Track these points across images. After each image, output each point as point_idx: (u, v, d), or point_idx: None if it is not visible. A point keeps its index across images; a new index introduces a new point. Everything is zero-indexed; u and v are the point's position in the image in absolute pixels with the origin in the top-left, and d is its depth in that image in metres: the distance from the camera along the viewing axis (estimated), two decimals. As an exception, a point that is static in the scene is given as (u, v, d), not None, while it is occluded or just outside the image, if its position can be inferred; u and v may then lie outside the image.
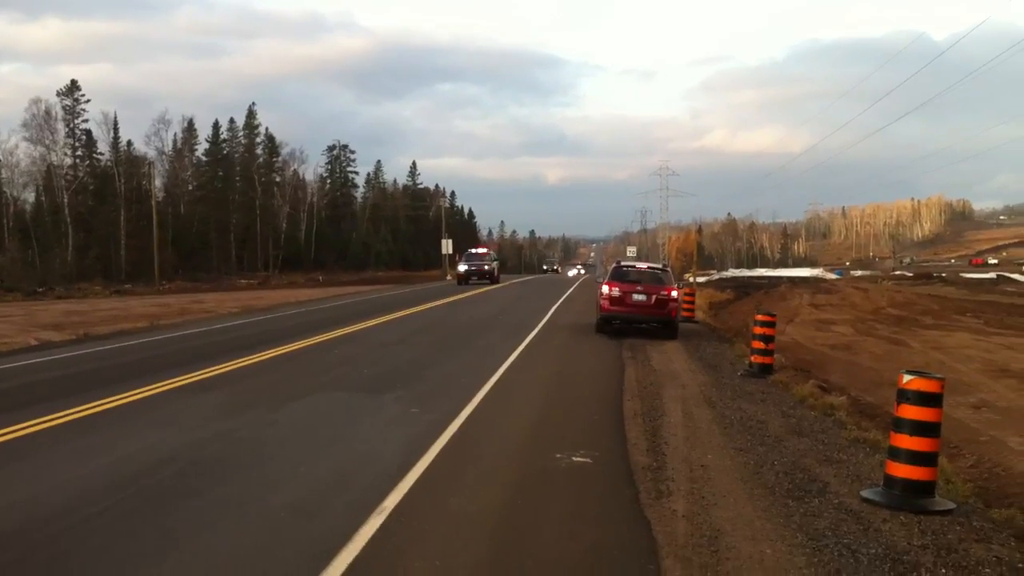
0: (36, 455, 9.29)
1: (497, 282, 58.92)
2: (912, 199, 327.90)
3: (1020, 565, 6.25)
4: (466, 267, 57.64)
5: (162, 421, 11.08)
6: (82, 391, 13.06)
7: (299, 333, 22.22)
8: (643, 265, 25.38)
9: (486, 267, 58.21)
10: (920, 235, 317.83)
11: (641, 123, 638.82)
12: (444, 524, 6.93)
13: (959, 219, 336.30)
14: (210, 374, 14.88)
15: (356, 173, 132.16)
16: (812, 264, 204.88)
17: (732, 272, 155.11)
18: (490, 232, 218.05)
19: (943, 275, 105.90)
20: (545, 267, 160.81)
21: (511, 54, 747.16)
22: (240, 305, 37.62)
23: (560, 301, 36.36)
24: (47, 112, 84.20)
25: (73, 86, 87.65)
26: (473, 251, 63.01)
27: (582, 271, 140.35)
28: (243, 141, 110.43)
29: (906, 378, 7.76)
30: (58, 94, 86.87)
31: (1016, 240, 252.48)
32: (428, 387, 14.02)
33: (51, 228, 79.95)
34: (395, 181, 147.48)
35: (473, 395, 12.83)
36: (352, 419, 11.40)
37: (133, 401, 12.33)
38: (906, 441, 7.66)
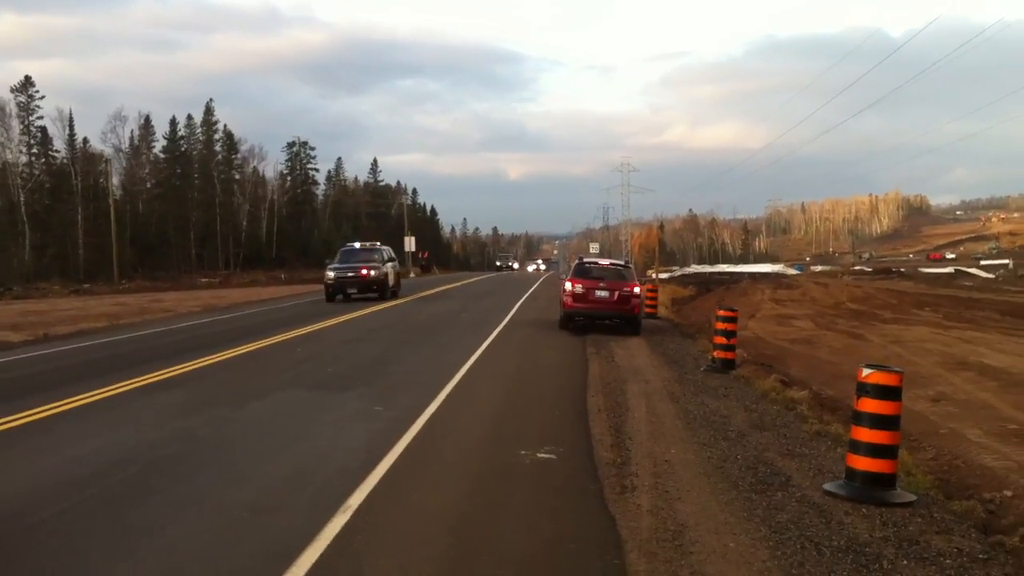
0: (-7, 456, 9.16)
1: (395, 296, 37.39)
2: (870, 195, 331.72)
3: (981, 556, 6.31)
4: (334, 274, 35.11)
5: (122, 421, 10.98)
6: (41, 391, 12.92)
7: (261, 331, 22.08)
8: (605, 261, 25.43)
9: (371, 272, 35.22)
10: (879, 230, 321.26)
11: (602, 118, 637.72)
12: (408, 521, 6.90)
13: (917, 214, 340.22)
14: (171, 373, 14.74)
15: (316, 170, 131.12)
16: (773, 260, 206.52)
17: (694, 268, 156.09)
18: (452, 229, 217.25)
19: (902, 270, 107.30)
20: (499, 263, 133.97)
21: (471, 49, 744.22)
22: (201, 304, 37.34)
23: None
24: (0, 109, 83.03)
25: (27, 82, 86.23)
26: (352, 246, 38.81)
27: (542, 267, 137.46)
28: (201, 138, 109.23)
29: (865, 372, 7.81)
30: (12, 90, 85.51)
31: (973, 235, 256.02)
32: (391, 384, 13.97)
33: (7, 227, 78.62)
34: (356, 178, 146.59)
35: (437, 392, 12.79)
36: (315, 417, 11.33)
37: (93, 401, 12.20)
38: (866, 434, 7.72)
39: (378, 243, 39.59)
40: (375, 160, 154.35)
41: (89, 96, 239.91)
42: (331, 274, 35.05)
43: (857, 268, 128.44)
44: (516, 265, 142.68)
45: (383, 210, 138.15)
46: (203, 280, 78.84)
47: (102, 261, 76.52)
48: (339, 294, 34.95)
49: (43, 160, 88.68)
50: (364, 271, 35.13)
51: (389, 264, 37.52)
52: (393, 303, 34.12)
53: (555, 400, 12.83)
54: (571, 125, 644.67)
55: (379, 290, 35.74)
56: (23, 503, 7.40)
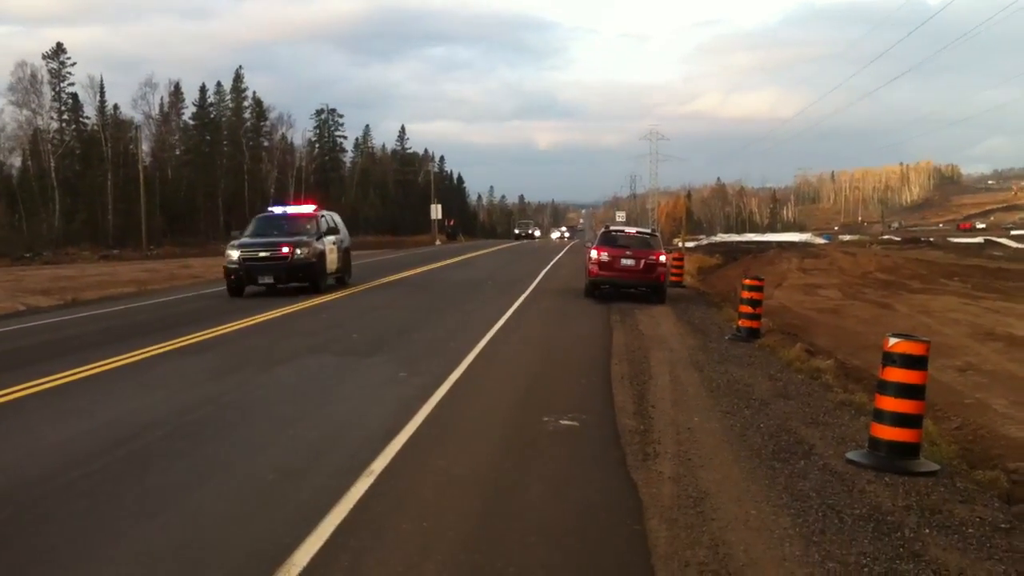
0: (22, 419, 9.30)
1: (342, 285, 25.86)
2: (901, 164, 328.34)
3: (1003, 526, 6.30)
4: (239, 254, 23.11)
5: (150, 385, 11.09)
6: (69, 356, 13.06)
7: (288, 297, 22.16)
8: (632, 230, 25.38)
9: (295, 250, 22.94)
10: (909, 200, 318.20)
11: (633, 87, 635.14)
12: (432, 486, 6.95)
13: (948, 184, 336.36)
14: (198, 338, 14.86)
15: (344, 137, 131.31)
16: (801, 229, 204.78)
17: (721, 237, 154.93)
18: (479, 197, 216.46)
19: (931, 240, 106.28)
20: (518, 231, 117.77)
21: (504, 17, 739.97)
22: (228, 270, 37.46)
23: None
24: (33, 75, 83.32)
25: (59, 49, 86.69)
26: (271, 211, 26.75)
27: (566, 235, 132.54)
28: (230, 105, 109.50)
29: (892, 341, 7.78)
30: (44, 57, 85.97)
31: (1004, 205, 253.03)
32: (416, 351, 14.03)
33: (38, 193, 79.30)
34: (384, 146, 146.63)
35: (461, 359, 12.84)
36: (340, 382, 11.41)
37: (121, 365, 12.32)
38: (891, 403, 7.69)
39: (314, 207, 26.92)
40: (403, 128, 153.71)
41: (120, 64, 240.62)
42: (234, 254, 23.16)
43: (885, 238, 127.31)
44: (537, 233, 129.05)
45: (410, 178, 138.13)
46: (231, 246, 79.13)
47: (131, 227, 77.06)
48: (248, 284, 23.28)
49: (74, 127, 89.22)
50: (292, 249, 22.93)
51: (329, 239, 24.92)
52: (336, 295, 23.50)
53: (579, 368, 12.85)
54: (602, 94, 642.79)
55: (308, 277, 23.47)
56: (52, 466, 7.50)
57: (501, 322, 17.36)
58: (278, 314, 18.61)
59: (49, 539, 5.81)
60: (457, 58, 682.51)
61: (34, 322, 18.51)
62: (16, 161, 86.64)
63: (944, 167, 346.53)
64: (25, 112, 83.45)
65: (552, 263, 40.77)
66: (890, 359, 7.74)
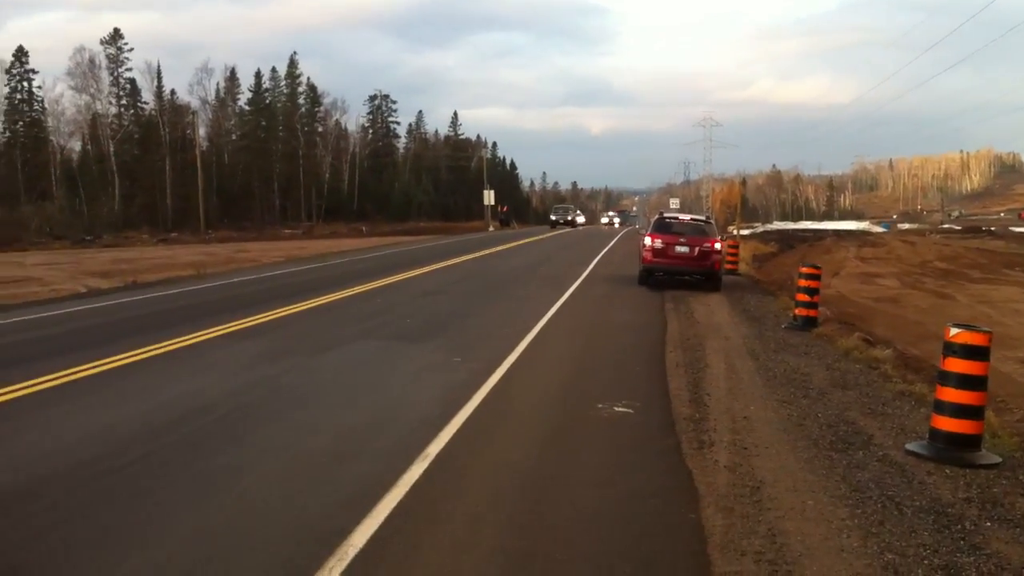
0: (82, 399, 9.44)
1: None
2: (961, 151, 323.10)
3: (1067, 520, 6.17)
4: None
5: (205, 367, 11.22)
6: (128, 337, 13.24)
7: (342, 282, 22.34)
8: (686, 217, 25.21)
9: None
10: (969, 188, 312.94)
11: (686, 73, 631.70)
12: (486, 471, 6.97)
13: (1008, 172, 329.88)
14: (253, 322, 15.01)
15: (398, 123, 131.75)
16: (858, 217, 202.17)
17: (777, 225, 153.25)
18: (532, 183, 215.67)
19: (992, 228, 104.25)
20: (554, 218, 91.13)
21: (557, 2, 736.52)
22: (284, 254, 37.91)
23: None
24: (91, 61, 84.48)
25: (116, 34, 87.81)
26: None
27: (616, 221, 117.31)
28: (285, 91, 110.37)
29: (953, 331, 7.64)
30: (102, 43, 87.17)
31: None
32: (469, 336, 14.06)
33: (97, 177, 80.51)
34: (436, 131, 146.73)
35: (515, 345, 12.84)
36: (393, 367, 11.46)
37: (178, 347, 12.48)
38: (952, 394, 7.57)
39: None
40: (455, 113, 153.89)
41: (177, 49, 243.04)
42: None
43: (945, 226, 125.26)
44: (581, 219, 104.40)
45: (463, 164, 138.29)
46: (286, 231, 79.86)
47: (188, 211, 78.06)
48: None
49: (132, 111, 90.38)
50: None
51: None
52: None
53: (633, 355, 12.80)
54: (655, 80, 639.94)
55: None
56: (110, 446, 7.60)
57: (554, 308, 17.33)
58: (332, 299, 18.74)
59: (107, 517, 5.89)
60: (509, 44, 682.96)
61: (94, 304, 18.81)
62: (76, 146, 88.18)
63: (1005, 155, 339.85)
64: (84, 97, 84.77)
65: (606, 250, 40.63)
66: (951, 349, 7.61)
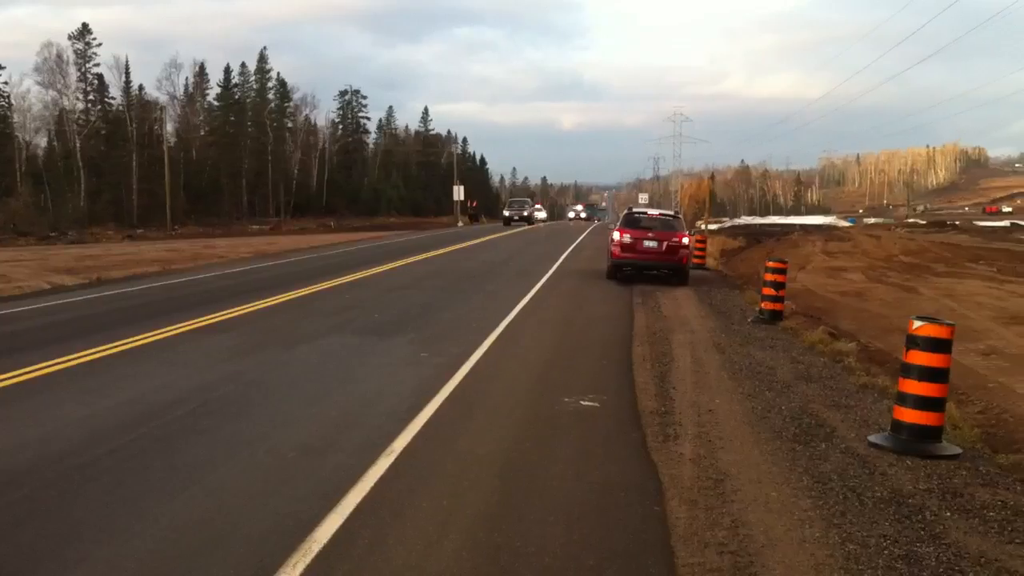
0: (48, 396, 9.39)
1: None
2: (927, 146, 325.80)
3: (1025, 509, 6.27)
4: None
5: (174, 362, 11.17)
6: (94, 333, 13.16)
7: (310, 277, 22.28)
8: (655, 212, 25.34)
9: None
10: (935, 183, 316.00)
11: (658, 68, 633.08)
12: (453, 465, 6.99)
13: (974, 166, 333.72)
14: (222, 317, 14.94)
15: (368, 119, 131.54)
16: (825, 212, 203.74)
17: (745, 219, 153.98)
18: (502, 179, 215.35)
19: (957, 223, 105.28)
20: (508, 213, 77.79)
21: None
22: (252, 250, 37.71)
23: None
24: (59, 56, 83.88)
25: (84, 29, 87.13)
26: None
27: (583, 214, 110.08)
28: (254, 86, 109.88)
29: (916, 324, 7.74)
30: (69, 37, 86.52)
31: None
32: (438, 331, 14.07)
33: (63, 173, 79.86)
34: (407, 127, 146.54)
35: (483, 339, 12.86)
36: (363, 361, 11.46)
37: (145, 343, 12.41)
38: (914, 387, 7.66)
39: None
40: (426, 109, 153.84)
41: (146, 43, 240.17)
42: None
43: (911, 221, 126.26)
44: (542, 214, 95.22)
45: (433, 159, 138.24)
46: (254, 227, 79.66)
47: (155, 207, 77.63)
48: None
49: (99, 107, 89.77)
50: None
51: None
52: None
53: (600, 349, 12.85)
54: (627, 75, 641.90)
55: None
56: (78, 441, 7.57)
57: (522, 303, 17.36)
58: (301, 294, 18.70)
59: (75, 514, 5.88)
60: (482, 38, 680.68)
61: (59, 300, 18.65)
62: (42, 141, 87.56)
63: (971, 150, 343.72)
64: (51, 92, 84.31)
65: (575, 244, 40.69)
66: (914, 342, 7.70)
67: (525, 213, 77.12)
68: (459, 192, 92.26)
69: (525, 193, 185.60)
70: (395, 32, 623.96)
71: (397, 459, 7.01)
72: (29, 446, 7.40)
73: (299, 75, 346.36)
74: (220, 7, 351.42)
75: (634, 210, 25.06)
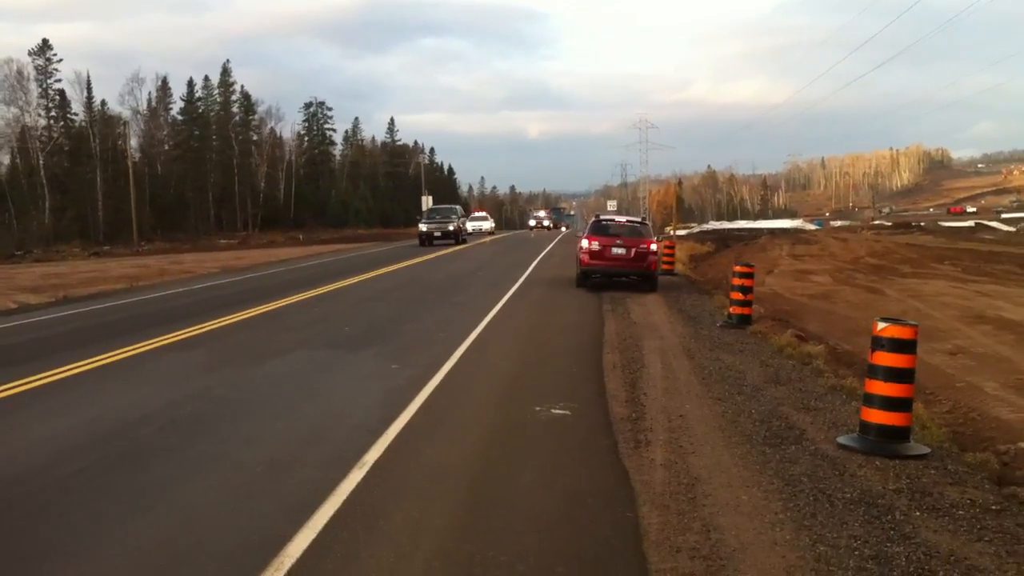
0: (13, 415, 9.29)
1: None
2: (891, 148, 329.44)
3: (994, 507, 6.32)
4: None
5: (141, 380, 11.09)
6: (60, 352, 13.04)
7: (279, 292, 22.18)
8: (622, 219, 25.36)
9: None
10: (899, 184, 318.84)
11: (624, 76, 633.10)
12: (424, 477, 6.96)
13: (938, 168, 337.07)
14: (189, 333, 14.84)
15: (334, 130, 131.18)
16: (792, 215, 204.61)
17: (713, 225, 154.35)
18: (470, 188, 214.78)
19: (922, 224, 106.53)
20: (427, 228, 50.78)
21: (497, 7, 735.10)
22: (220, 265, 37.51)
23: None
24: (19, 72, 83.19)
25: (45, 45, 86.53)
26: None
27: (545, 222, 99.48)
28: (218, 100, 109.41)
29: (880, 325, 7.80)
30: (29, 53, 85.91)
31: (994, 188, 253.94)
32: (407, 343, 14.02)
33: (27, 190, 79.08)
34: (373, 138, 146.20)
35: (453, 350, 12.83)
36: (332, 375, 11.41)
37: (112, 361, 12.30)
38: (880, 387, 7.72)
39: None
40: (392, 120, 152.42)
41: (109, 58, 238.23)
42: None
43: (877, 223, 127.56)
44: (488, 224, 79.01)
45: (401, 170, 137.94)
46: (222, 241, 79.14)
47: (121, 223, 77.04)
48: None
49: (61, 123, 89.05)
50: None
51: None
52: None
53: (570, 357, 12.86)
54: (594, 83, 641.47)
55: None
56: (44, 461, 7.51)
57: (492, 313, 17.34)
58: (268, 309, 18.60)
59: (40, 535, 5.81)
60: (449, 49, 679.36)
61: (25, 320, 18.47)
62: (4, 159, 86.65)
63: (934, 151, 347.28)
64: (12, 109, 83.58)
65: (544, 253, 40.73)
66: (879, 343, 7.76)
67: (452, 227, 51.47)
68: (427, 202, 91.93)
69: (493, 203, 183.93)
70: (361, 44, 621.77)
71: (369, 472, 6.97)
72: (-6, 468, 7.31)
73: (264, 88, 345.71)
74: (183, 21, 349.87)
75: (602, 217, 25.09)
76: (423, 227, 51.14)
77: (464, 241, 52.75)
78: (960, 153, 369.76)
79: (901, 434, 7.68)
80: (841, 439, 7.97)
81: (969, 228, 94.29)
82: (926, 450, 7.66)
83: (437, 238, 50.24)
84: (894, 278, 28.94)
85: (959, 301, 20.80)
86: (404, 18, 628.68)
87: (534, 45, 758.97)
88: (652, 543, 5.61)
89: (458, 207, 62.10)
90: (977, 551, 5.54)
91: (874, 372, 7.80)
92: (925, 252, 43.76)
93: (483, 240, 59.71)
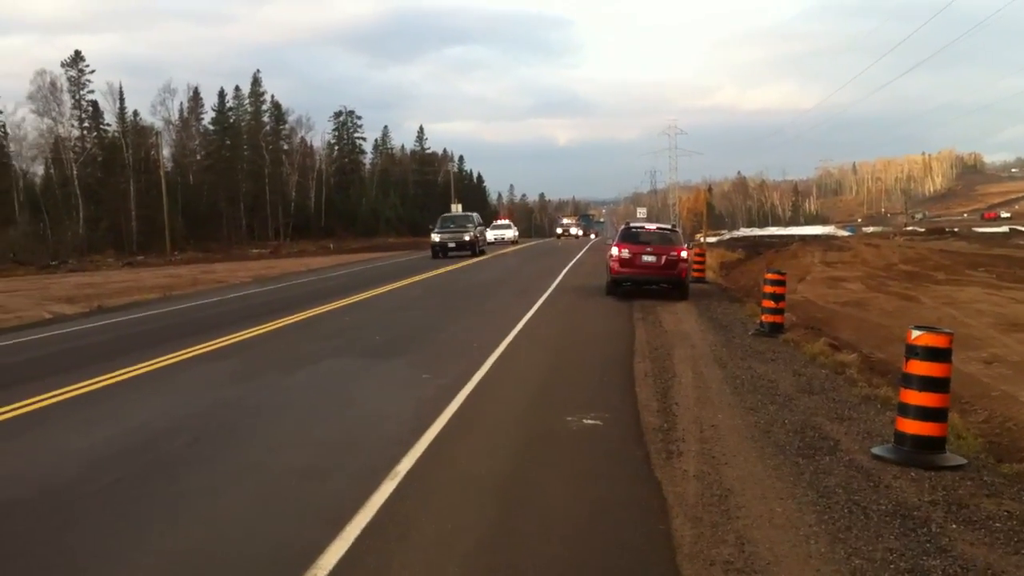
0: (50, 426, 9.40)
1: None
2: (923, 153, 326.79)
3: (1031, 518, 6.25)
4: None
5: (175, 390, 11.18)
6: (95, 363, 13.16)
7: (310, 301, 22.28)
8: (652, 226, 25.31)
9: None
10: (932, 190, 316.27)
11: (651, 83, 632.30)
12: (457, 487, 6.98)
13: (971, 173, 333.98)
14: (223, 343, 14.94)
15: (363, 139, 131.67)
16: (824, 221, 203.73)
17: (743, 231, 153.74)
18: (499, 196, 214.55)
19: (955, 230, 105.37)
20: (438, 239, 46.09)
21: (521, 15, 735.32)
22: (251, 274, 37.73)
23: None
24: (52, 84, 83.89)
25: (77, 56, 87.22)
26: None
27: (572, 230, 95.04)
28: (249, 109, 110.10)
29: (915, 334, 7.73)
30: (62, 65, 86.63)
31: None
32: (438, 351, 14.06)
33: (61, 201, 79.81)
34: (403, 147, 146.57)
35: (484, 359, 12.84)
36: (364, 385, 11.46)
37: (146, 372, 12.40)
38: (915, 397, 7.65)
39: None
40: (421, 128, 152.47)
41: (139, 69, 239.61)
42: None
43: (909, 229, 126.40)
44: (512, 233, 79.70)
45: (430, 178, 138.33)
46: (253, 250, 79.59)
47: (154, 233, 77.56)
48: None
49: (95, 134, 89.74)
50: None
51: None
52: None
53: (601, 366, 12.83)
54: (619, 90, 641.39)
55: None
56: (80, 471, 7.58)
57: (523, 322, 17.33)
58: (301, 317, 18.69)
59: (75, 544, 5.87)
60: (474, 57, 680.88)
61: (60, 330, 18.67)
62: (39, 169, 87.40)
63: (967, 156, 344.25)
64: (46, 120, 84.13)
65: (574, 261, 40.68)
66: (913, 352, 7.69)
67: (467, 238, 46.90)
68: (457, 210, 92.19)
69: (523, 211, 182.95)
70: (387, 54, 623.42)
71: (401, 482, 6.99)
72: (30, 477, 7.41)
73: (293, 98, 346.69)
74: (212, 32, 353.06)
75: (632, 224, 25.06)
76: (436, 237, 46.72)
77: (482, 252, 48.50)
78: (993, 158, 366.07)
79: (936, 444, 7.61)
80: (876, 450, 7.91)
81: (1003, 234, 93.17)
82: (962, 461, 7.59)
83: (451, 249, 45.94)
84: (928, 285, 28.68)
85: (994, 308, 20.57)
86: (429, 27, 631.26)
87: (558, 53, 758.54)
88: (686, 556, 5.58)
89: (475, 215, 55.20)
90: (1015, 564, 5.48)
91: (908, 381, 7.73)
92: (959, 258, 43.32)
93: (505, 250, 56.98)
